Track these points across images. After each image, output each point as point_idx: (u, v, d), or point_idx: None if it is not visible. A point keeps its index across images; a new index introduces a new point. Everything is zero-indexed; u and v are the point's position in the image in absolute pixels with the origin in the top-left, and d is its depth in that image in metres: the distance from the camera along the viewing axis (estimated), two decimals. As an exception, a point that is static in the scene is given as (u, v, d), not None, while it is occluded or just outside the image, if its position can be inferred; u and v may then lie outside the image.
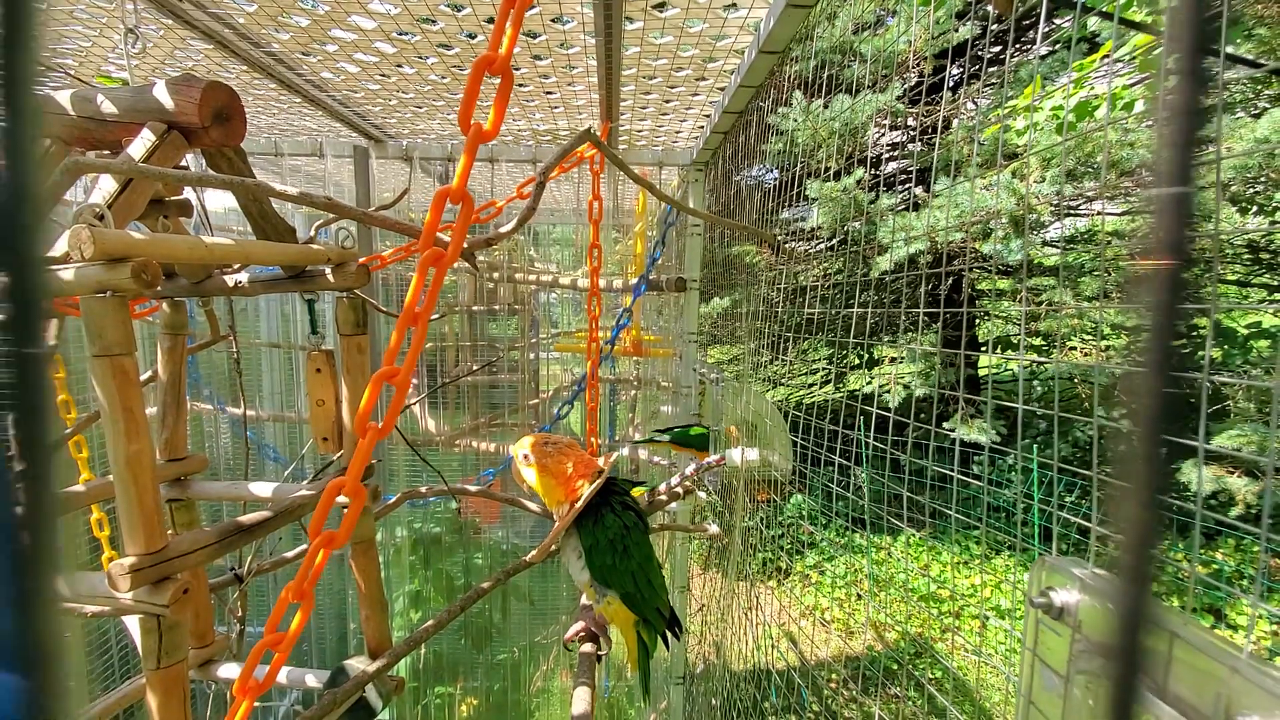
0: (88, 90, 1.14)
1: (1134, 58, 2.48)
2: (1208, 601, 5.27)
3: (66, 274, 0.91)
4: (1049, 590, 0.68)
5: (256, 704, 0.99)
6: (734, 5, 1.64)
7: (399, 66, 2.12)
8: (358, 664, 1.36)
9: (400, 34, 1.87)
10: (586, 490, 1.22)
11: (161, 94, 1.08)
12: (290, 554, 1.76)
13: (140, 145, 1.06)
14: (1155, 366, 0.27)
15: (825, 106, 4.19)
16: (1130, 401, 0.27)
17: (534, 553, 1.35)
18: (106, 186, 1.03)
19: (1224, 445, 4.31)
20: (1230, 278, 6.07)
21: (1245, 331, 6.11)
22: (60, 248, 0.95)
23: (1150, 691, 0.59)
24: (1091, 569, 0.67)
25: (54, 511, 0.23)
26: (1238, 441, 4.33)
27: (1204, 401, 0.73)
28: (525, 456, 1.28)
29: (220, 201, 3.36)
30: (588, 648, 1.31)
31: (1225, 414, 4.89)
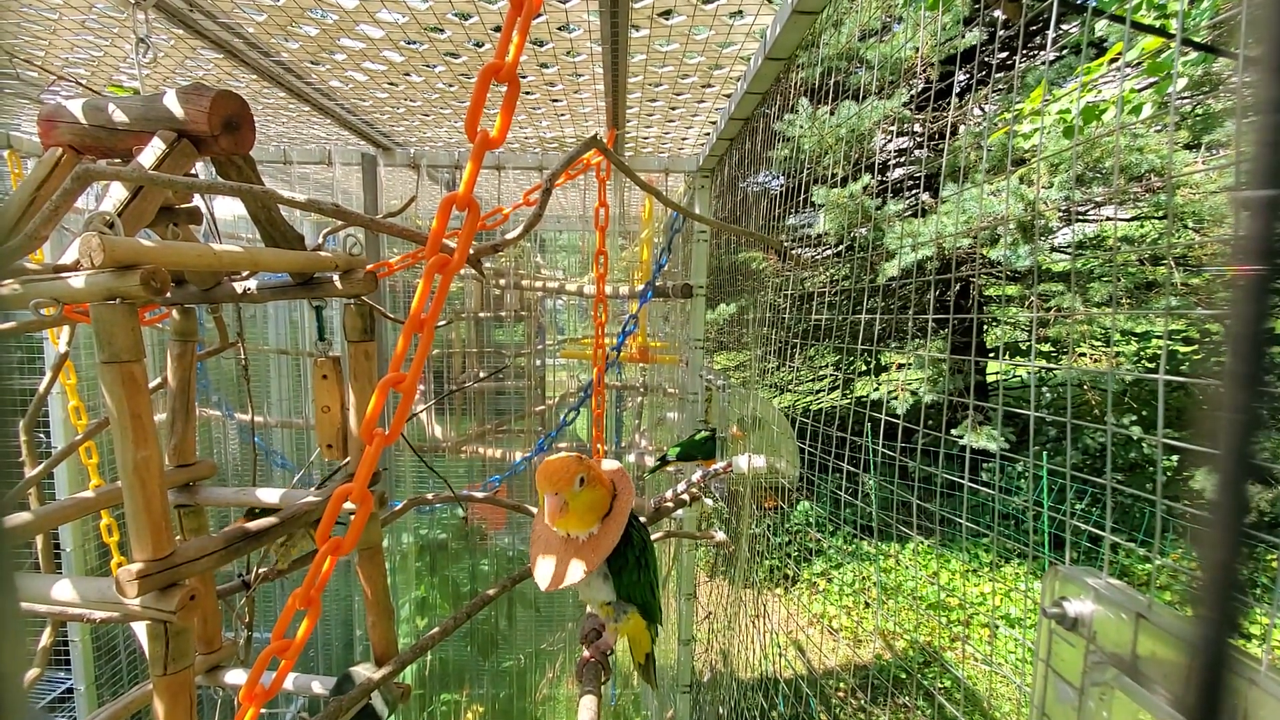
0: (99, 99, 1.15)
1: (1142, 61, 2.47)
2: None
3: (77, 281, 0.92)
4: (1062, 600, 0.67)
5: (263, 710, 0.99)
6: (740, 12, 1.64)
7: (407, 75, 2.13)
8: (364, 670, 1.36)
9: (408, 43, 1.88)
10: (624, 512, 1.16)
11: (172, 103, 1.09)
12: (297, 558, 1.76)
13: (151, 153, 1.07)
14: (1240, 380, 0.25)
15: (831, 113, 4.19)
16: (1212, 419, 0.25)
17: (582, 576, 1.16)
18: (117, 194, 1.04)
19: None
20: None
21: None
22: (71, 255, 0.96)
23: (1169, 705, 0.58)
24: (1105, 579, 0.66)
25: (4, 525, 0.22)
26: (1251, 448, 4.28)
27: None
28: (581, 480, 1.10)
29: (229, 209, 3.38)
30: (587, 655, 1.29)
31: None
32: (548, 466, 1.12)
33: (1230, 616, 0.25)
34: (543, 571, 1.16)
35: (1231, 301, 0.24)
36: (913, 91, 5.35)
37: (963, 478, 1.59)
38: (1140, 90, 2.90)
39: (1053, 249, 7.05)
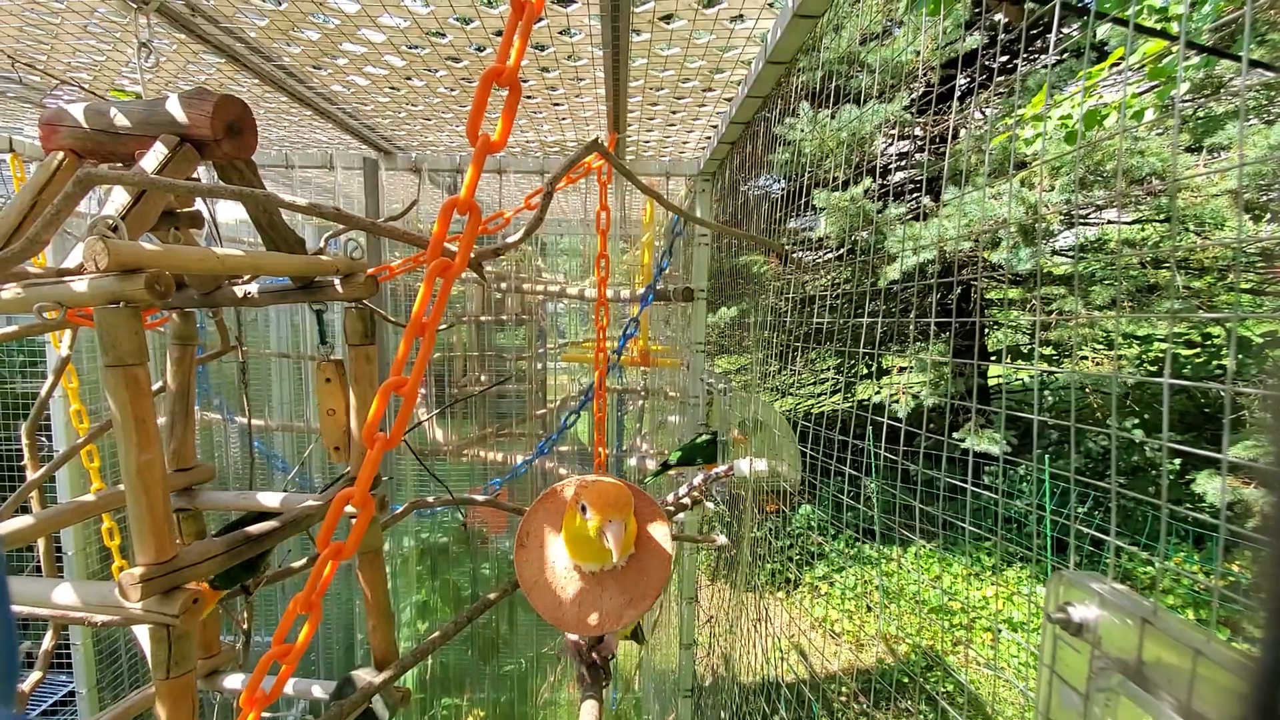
0: (101, 104, 1.16)
1: (1143, 65, 2.47)
2: (1222, 614, 5.19)
3: (80, 285, 0.92)
4: (1067, 605, 0.67)
5: (264, 714, 0.98)
6: (741, 17, 1.64)
7: (408, 79, 2.13)
8: (364, 675, 1.35)
9: (410, 47, 1.88)
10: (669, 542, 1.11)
11: (174, 107, 1.09)
12: (297, 564, 1.76)
13: (153, 158, 1.07)
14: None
15: (832, 116, 4.19)
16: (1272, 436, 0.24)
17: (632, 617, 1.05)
18: (120, 198, 1.04)
19: (1240, 456, 4.25)
20: (1244, 286, 6.02)
21: (1260, 340, 6.05)
22: (74, 259, 0.96)
23: (1173, 710, 0.57)
24: (1111, 584, 0.66)
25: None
26: (1254, 452, 4.27)
27: (1227, 411, 0.72)
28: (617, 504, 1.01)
29: (231, 213, 3.39)
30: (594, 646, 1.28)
31: (1241, 424, 4.84)
32: (605, 492, 0.98)
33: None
34: (581, 618, 1.04)
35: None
36: (913, 95, 5.36)
37: (965, 481, 1.58)
38: (1141, 94, 2.90)
39: (1054, 252, 7.05)
